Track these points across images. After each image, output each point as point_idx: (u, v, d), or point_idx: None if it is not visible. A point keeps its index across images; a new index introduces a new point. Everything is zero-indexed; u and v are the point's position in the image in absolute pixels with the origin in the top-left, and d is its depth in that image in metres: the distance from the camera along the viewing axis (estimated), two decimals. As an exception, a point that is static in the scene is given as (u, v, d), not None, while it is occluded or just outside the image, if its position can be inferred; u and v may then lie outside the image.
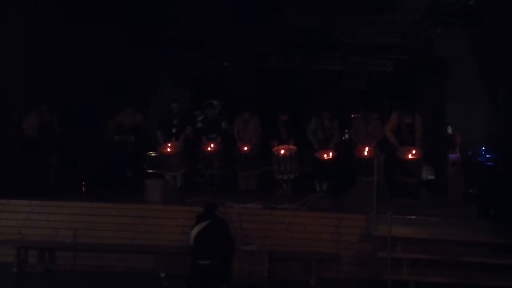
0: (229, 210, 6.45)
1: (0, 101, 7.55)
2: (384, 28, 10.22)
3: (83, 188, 7.74)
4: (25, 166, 7.37)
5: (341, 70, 12.23)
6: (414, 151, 7.41)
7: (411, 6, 9.17)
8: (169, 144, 7.94)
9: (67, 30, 8.47)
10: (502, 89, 8.85)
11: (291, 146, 7.92)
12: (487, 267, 5.84)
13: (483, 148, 9.58)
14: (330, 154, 7.85)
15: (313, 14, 9.55)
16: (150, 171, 8.81)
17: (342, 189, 7.37)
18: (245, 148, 7.96)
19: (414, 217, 6.27)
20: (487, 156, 9.25)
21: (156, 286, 5.90)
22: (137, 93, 10.65)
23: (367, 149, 7.60)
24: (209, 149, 7.98)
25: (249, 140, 8.06)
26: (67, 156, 8.35)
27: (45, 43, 8.15)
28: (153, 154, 8.80)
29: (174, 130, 8.10)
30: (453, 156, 9.03)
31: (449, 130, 9.82)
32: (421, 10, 9.41)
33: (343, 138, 9.01)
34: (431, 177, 9.25)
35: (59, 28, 8.35)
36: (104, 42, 9.21)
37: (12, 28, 7.78)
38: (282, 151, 7.80)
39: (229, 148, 8.24)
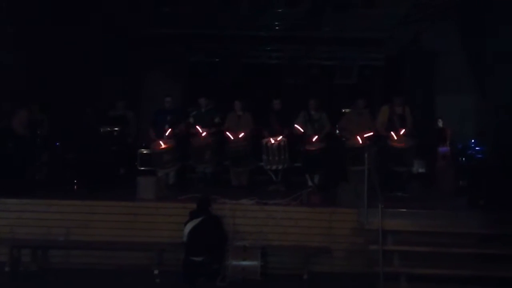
0: (221, 206, 6.46)
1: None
2: (373, 23, 10.24)
3: (75, 186, 7.70)
4: (15, 164, 7.32)
5: (331, 65, 12.27)
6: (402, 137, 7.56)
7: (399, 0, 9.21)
8: (161, 141, 7.92)
9: (55, 29, 8.44)
10: (490, 81, 8.94)
11: (280, 137, 7.92)
12: (478, 257, 5.92)
13: (473, 140, 9.68)
14: (315, 138, 7.87)
15: (302, 8, 9.55)
16: (142, 168, 8.78)
17: (333, 183, 7.41)
18: (240, 136, 7.94)
19: (405, 209, 6.32)
20: (477, 148, 9.36)
21: (149, 283, 5.90)
22: (128, 91, 10.65)
23: (358, 138, 7.66)
24: (198, 141, 7.96)
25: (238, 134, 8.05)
26: (57, 154, 8.30)
27: (34, 42, 8.12)
28: (145, 152, 8.77)
29: (166, 127, 8.08)
30: (443, 149, 9.09)
31: (439, 123, 9.89)
32: (408, 4, 9.45)
33: (337, 132, 9.03)
34: (422, 170, 9.33)
35: (47, 27, 8.31)
36: (93, 41, 9.19)
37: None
38: (271, 141, 7.82)
39: (221, 144, 8.23)
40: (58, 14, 8.56)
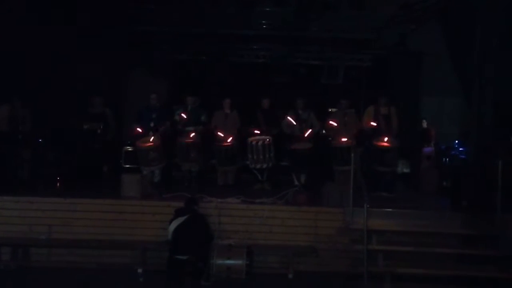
0: (207, 205, 6.43)
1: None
2: (360, 24, 10.30)
3: (58, 184, 7.59)
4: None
5: (318, 65, 12.30)
6: (388, 138, 7.61)
7: (386, 1, 9.27)
8: (147, 139, 7.85)
9: (38, 25, 8.30)
10: (474, 83, 9.04)
11: (265, 136, 7.92)
12: (460, 258, 5.99)
13: (456, 141, 9.80)
14: (308, 133, 7.89)
15: (289, 8, 9.56)
16: (127, 166, 8.69)
17: (319, 182, 7.43)
18: (228, 141, 7.93)
19: (389, 209, 6.38)
20: (460, 149, 9.48)
21: (133, 282, 5.85)
22: (112, 88, 10.52)
23: (344, 138, 7.70)
24: (185, 140, 7.93)
25: (228, 134, 8.03)
26: (39, 151, 8.17)
27: (16, 38, 7.97)
28: (130, 149, 8.69)
29: (152, 124, 8.01)
30: (428, 149, 9.20)
31: (424, 124, 9.99)
32: (395, 6, 9.52)
33: (323, 131, 9.07)
34: (406, 170, 9.41)
35: (31, 23, 8.17)
36: (78, 37, 9.06)
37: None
38: (256, 140, 7.81)
39: (207, 143, 8.19)
40: (41, 11, 8.40)
